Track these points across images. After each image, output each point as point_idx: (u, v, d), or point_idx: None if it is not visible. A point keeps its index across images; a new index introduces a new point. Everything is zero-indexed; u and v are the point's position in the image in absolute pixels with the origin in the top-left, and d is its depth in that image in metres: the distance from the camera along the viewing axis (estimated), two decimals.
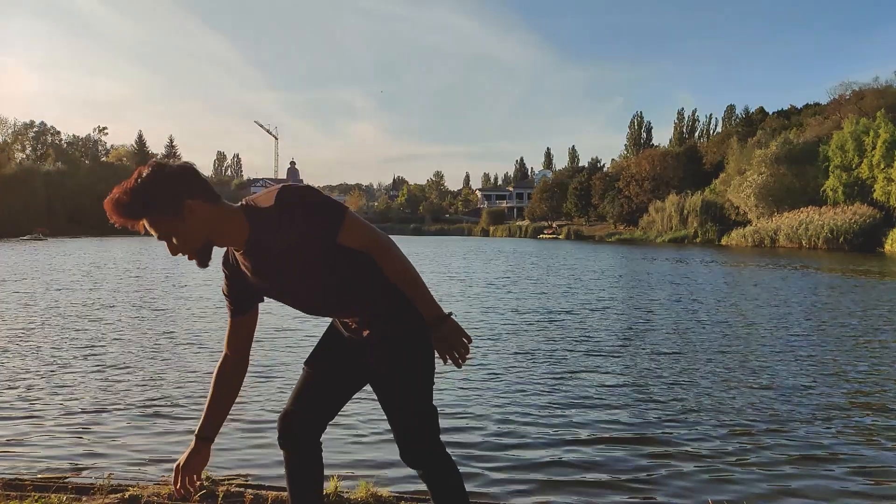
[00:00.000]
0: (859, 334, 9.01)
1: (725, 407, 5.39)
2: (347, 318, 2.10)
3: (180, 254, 1.88)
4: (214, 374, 2.13)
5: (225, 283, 2.05)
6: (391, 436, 2.13)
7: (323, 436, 2.21)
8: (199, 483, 2.12)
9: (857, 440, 4.59)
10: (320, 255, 1.91)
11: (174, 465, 2.12)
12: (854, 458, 4.24)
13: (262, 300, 2.09)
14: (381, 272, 1.99)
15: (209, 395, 2.13)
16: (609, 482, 3.83)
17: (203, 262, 1.90)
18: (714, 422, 4.99)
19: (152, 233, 1.84)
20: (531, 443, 4.50)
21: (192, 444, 2.11)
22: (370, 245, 1.95)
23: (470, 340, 2.05)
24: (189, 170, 1.87)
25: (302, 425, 2.15)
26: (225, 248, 2.01)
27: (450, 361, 2.04)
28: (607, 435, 4.68)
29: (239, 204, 1.94)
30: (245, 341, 2.11)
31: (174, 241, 1.85)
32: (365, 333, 2.06)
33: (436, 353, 2.06)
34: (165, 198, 1.80)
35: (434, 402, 2.11)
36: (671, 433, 4.73)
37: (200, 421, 2.13)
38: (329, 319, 2.23)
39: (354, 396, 2.25)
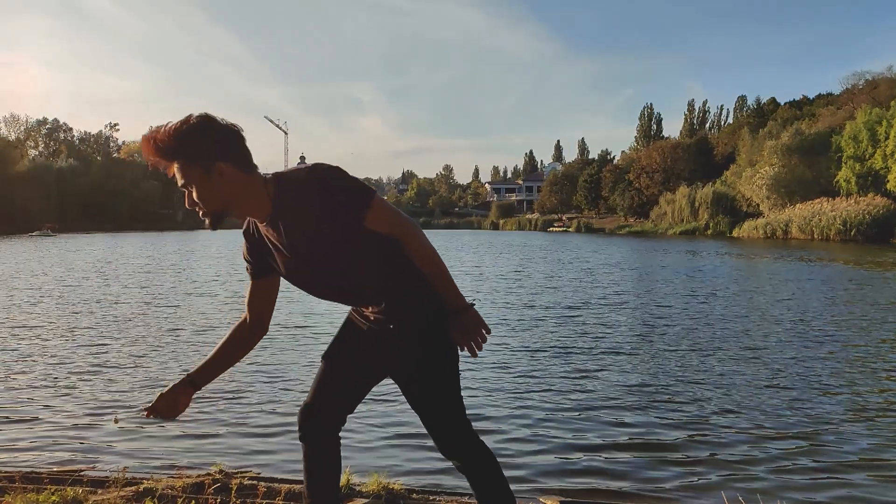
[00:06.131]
0: (883, 330, 8.81)
1: (748, 409, 5.20)
2: (363, 306, 2.07)
3: (195, 208, 1.86)
4: (229, 331, 2.13)
5: (245, 248, 2.04)
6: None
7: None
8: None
9: (889, 444, 4.40)
10: (344, 235, 1.89)
11: (170, 418, 2.10)
12: (886, 464, 4.07)
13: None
14: (404, 261, 1.97)
15: (216, 346, 2.12)
16: (628, 490, 3.72)
17: (214, 224, 1.88)
18: (737, 425, 4.80)
19: (178, 179, 1.83)
20: (545, 447, 4.38)
21: (180, 380, 2.09)
22: (397, 230, 1.93)
23: (489, 331, 2.03)
24: (233, 133, 1.84)
25: (321, 419, 2.13)
26: (246, 219, 2.00)
27: (465, 350, 2.03)
28: (625, 439, 4.55)
29: (270, 174, 1.92)
30: (264, 305, 2.09)
31: (194, 195, 1.84)
32: (389, 326, 2.02)
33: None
34: (200, 151, 1.79)
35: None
36: (692, 437, 4.56)
37: (198, 365, 2.13)
38: (345, 311, 2.21)
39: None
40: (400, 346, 2.02)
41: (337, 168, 1.88)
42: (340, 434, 2.19)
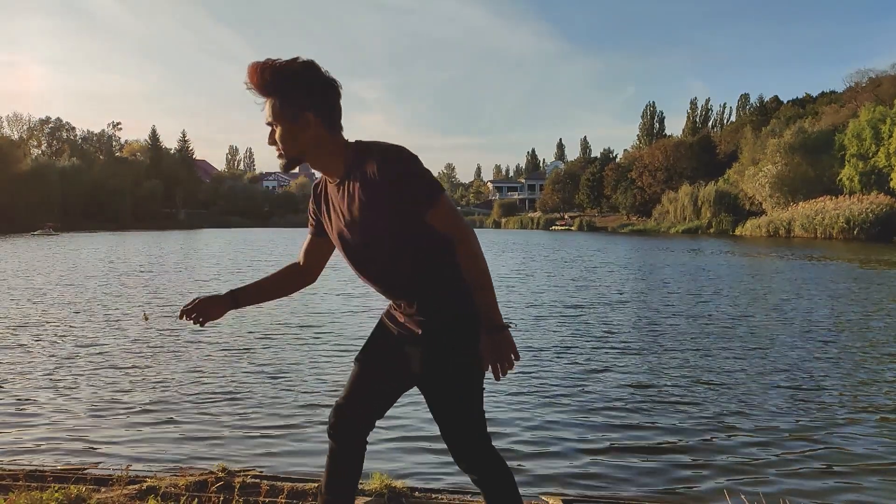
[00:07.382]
0: (891, 331, 8.72)
1: (754, 410, 5.15)
2: (395, 299, 2.05)
3: (274, 147, 1.91)
4: (281, 267, 2.22)
5: (311, 202, 2.11)
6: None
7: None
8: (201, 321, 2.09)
9: None
10: (401, 221, 1.89)
11: (200, 323, 2.11)
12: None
13: None
14: (446, 266, 1.95)
15: (265, 275, 2.22)
16: (630, 491, 3.68)
17: (287, 168, 1.95)
18: (743, 427, 4.74)
19: (266, 114, 1.87)
20: (549, 448, 4.35)
21: (222, 293, 2.14)
22: (455, 231, 1.93)
23: (518, 358, 1.97)
24: (331, 88, 1.88)
25: (354, 421, 2.12)
26: (320, 176, 2.05)
27: (489, 371, 1.97)
28: (629, 440, 4.51)
29: (354, 141, 1.96)
30: (318, 259, 2.18)
31: (276, 135, 1.89)
32: (417, 332, 1.99)
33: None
34: (294, 95, 1.84)
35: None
36: (697, 439, 4.52)
37: (243, 285, 2.19)
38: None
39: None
40: (425, 354, 1.99)
41: (417, 157, 1.91)
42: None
